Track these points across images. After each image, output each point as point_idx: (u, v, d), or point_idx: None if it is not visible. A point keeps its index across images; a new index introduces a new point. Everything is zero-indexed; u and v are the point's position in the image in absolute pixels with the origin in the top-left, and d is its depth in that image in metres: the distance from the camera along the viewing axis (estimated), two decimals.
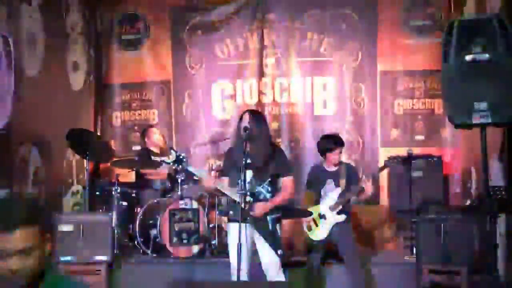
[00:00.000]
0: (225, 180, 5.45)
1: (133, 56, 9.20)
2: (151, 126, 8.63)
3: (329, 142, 6.45)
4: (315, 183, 6.53)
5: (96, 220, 6.54)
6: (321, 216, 6.32)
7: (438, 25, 8.27)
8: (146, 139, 8.23)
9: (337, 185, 6.38)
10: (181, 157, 5.18)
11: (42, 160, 7.15)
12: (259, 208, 5.19)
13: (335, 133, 6.72)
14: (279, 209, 5.28)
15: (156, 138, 8.23)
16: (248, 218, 5.13)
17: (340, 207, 6.30)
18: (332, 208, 6.30)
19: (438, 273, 6.14)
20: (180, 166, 5.21)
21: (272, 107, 8.77)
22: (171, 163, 5.25)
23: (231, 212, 5.33)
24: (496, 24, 4.71)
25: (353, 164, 7.40)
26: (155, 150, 8.15)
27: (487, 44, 4.70)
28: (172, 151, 5.22)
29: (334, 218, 6.29)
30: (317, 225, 6.33)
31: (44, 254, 2.32)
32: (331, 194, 6.36)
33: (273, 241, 5.22)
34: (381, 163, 8.08)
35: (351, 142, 8.47)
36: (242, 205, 4.97)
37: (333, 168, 6.47)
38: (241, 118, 5.37)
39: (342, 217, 6.30)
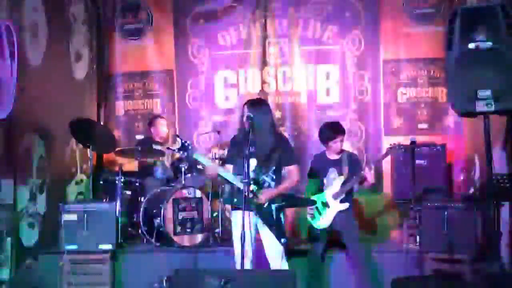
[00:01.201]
0: (229, 168, 5.47)
1: (135, 46, 9.18)
2: (160, 116, 8.60)
3: (330, 130, 6.46)
4: (318, 172, 6.55)
5: (100, 209, 6.58)
6: (324, 205, 6.34)
7: (441, 13, 8.24)
8: (152, 130, 8.24)
9: (339, 173, 6.39)
10: (186, 144, 5.18)
11: (46, 150, 7.16)
12: (265, 194, 5.21)
13: (336, 121, 6.71)
14: (283, 197, 5.30)
15: (162, 130, 8.23)
16: (252, 206, 5.15)
17: (343, 195, 6.32)
18: (335, 197, 6.32)
19: (442, 261, 6.16)
20: (186, 153, 5.21)
21: (275, 96, 8.75)
22: (177, 150, 5.25)
23: (235, 200, 5.34)
24: (500, 12, 4.70)
25: (355, 152, 7.39)
26: (159, 140, 8.16)
27: (490, 32, 4.70)
28: (177, 138, 5.22)
29: (337, 206, 6.31)
30: (320, 214, 6.35)
31: None
32: (334, 183, 6.37)
33: (277, 229, 5.24)
34: (384, 151, 8.10)
35: (354, 130, 8.46)
36: (246, 194, 4.98)
37: (335, 157, 6.48)
38: (245, 107, 5.38)
39: (345, 205, 6.32)
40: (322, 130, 6.57)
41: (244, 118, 5.28)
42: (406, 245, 6.84)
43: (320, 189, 6.48)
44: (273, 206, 5.26)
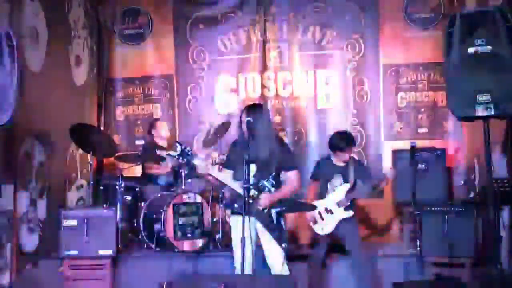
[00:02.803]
0: (227, 172, 5.46)
1: (136, 51, 9.21)
2: (158, 119, 8.62)
3: (342, 142, 6.40)
4: (322, 175, 6.53)
5: (101, 215, 6.56)
6: (328, 211, 6.32)
7: (440, 17, 8.25)
8: (153, 132, 8.21)
9: (346, 181, 6.37)
10: (186, 150, 5.18)
11: (46, 155, 7.15)
12: (265, 199, 5.19)
13: (348, 132, 6.66)
14: (284, 202, 5.29)
15: (163, 132, 8.22)
16: (253, 211, 5.14)
17: (348, 203, 6.30)
18: (340, 204, 6.30)
19: (442, 265, 6.16)
20: (186, 159, 5.20)
21: (275, 101, 8.76)
22: (177, 157, 5.24)
23: (235, 205, 5.32)
24: (499, 16, 4.70)
25: (360, 159, 7.37)
26: (162, 143, 8.15)
27: (489, 36, 4.70)
28: (177, 144, 5.21)
29: (341, 214, 6.29)
30: (322, 219, 6.33)
31: None
32: (339, 190, 6.35)
33: (278, 234, 5.23)
34: (384, 159, 8.13)
35: (354, 135, 8.41)
36: (246, 199, 4.97)
37: (342, 164, 6.45)
38: (244, 112, 5.38)
39: (350, 213, 6.30)
40: (333, 138, 6.50)
41: (243, 123, 5.27)
42: (406, 249, 6.85)
43: (323, 194, 6.46)
44: (273, 211, 5.25)
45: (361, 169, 6.52)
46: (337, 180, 6.43)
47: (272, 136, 5.41)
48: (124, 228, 7.27)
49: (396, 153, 7.50)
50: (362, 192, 6.34)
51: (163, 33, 9.14)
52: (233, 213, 5.45)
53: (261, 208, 5.22)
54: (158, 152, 7.51)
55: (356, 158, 6.97)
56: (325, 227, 6.34)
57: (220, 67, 8.97)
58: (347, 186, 6.36)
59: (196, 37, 9.00)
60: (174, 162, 7.58)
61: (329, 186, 6.47)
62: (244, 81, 8.89)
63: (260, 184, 5.30)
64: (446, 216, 6.19)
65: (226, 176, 5.41)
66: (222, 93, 8.95)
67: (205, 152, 8.16)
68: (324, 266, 6.43)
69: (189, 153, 5.20)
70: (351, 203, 6.35)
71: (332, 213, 6.33)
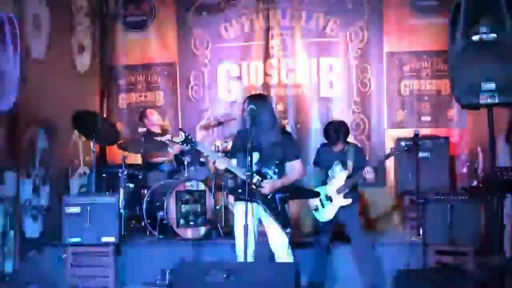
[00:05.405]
0: (233, 161, 5.46)
1: (138, 38, 9.17)
2: (148, 107, 8.57)
3: (335, 133, 6.32)
4: (323, 162, 6.51)
5: (103, 202, 6.56)
6: (328, 198, 6.32)
7: (445, 5, 8.20)
8: (145, 121, 8.19)
9: (344, 167, 6.35)
10: (190, 137, 5.18)
11: (49, 142, 7.16)
12: (269, 185, 5.19)
13: (341, 122, 6.56)
14: (287, 188, 5.30)
15: (155, 119, 8.20)
16: (256, 197, 5.15)
17: (347, 190, 6.29)
18: (339, 191, 6.29)
19: (445, 253, 6.17)
20: (189, 146, 5.20)
21: (278, 89, 8.73)
22: (180, 143, 5.24)
23: (240, 190, 5.30)
24: (504, 3, 4.68)
25: (359, 145, 7.37)
26: (156, 130, 8.13)
27: (494, 24, 4.66)
28: (180, 131, 5.21)
29: (340, 201, 6.28)
30: (323, 206, 6.33)
31: None
32: (339, 177, 6.34)
33: (282, 220, 5.24)
34: (387, 147, 8.10)
35: (358, 123, 8.44)
36: (249, 186, 4.98)
37: (341, 150, 6.43)
38: (246, 101, 5.38)
39: (349, 201, 6.27)
40: (327, 130, 6.45)
41: (246, 113, 5.26)
42: (409, 237, 6.85)
43: (324, 181, 6.46)
44: (277, 197, 5.26)
45: (358, 154, 6.49)
46: (337, 167, 6.42)
47: (274, 125, 5.41)
48: (127, 216, 7.28)
49: (399, 141, 7.47)
50: (361, 178, 6.30)
51: (166, 20, 9.10)
52: (236, 199, 5.46)
53: (265, 191, 5.22)
54: (158, 138, 7.46)
55: (355, 143, 6.94)
56: (325, 214, 6.34)
57: (223, 55, 8.94)
58: (346, 173, 6.34)
59: (199, 25, 8.96)
60: (176, 149, 7.59)
61: (329, 173, 6.46)
62: (247, 69, 8.85)
63: (263, 172, 5.30)
64: (449, 205, 6.17)
65: (232, 165, 5.41)
66: (225, 81, 8.93)
67: (202, 134, 8.16)
68: (327, 252, 6.44)
69: (193, 139, 5.21)
70: (352, 190, 6.34)
71: (331, 200, 6.32)
